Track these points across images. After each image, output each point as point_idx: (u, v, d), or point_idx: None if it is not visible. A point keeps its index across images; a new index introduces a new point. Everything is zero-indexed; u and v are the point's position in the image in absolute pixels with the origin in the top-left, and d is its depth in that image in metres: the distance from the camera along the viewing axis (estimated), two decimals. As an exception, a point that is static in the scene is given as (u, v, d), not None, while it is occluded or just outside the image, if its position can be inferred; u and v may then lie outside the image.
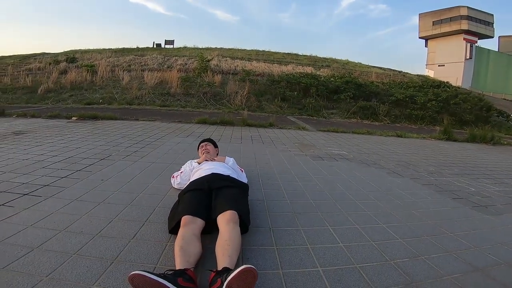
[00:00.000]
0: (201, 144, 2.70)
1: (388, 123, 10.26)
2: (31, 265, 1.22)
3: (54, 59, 15.20)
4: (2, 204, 1.81)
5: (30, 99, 9.83)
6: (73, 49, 21.06)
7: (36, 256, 1.28)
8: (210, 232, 1.53)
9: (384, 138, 6.46)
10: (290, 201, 2.18)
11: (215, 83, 11.67)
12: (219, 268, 1.19)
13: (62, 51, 20.12)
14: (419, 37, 35.00)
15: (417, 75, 23.96)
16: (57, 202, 1.89)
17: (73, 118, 6.36)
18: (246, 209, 1.68)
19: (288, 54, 23.84)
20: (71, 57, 15.16)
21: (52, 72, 12.29)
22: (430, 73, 29.91)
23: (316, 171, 3.11)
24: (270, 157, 3.61)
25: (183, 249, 1.27)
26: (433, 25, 32.68)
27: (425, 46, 35.14)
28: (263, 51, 24.21)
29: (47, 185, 2.20)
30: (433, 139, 7.03)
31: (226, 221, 1.44)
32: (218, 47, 24.38)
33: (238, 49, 24.06)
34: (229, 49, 23.63)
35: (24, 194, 1.99)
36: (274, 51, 24.55)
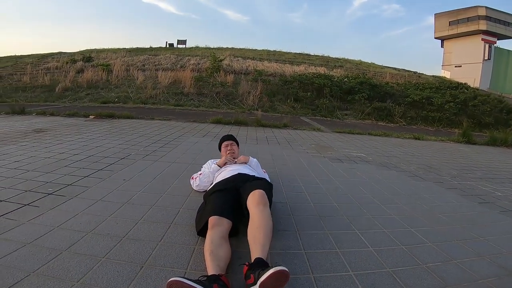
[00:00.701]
0: (225, 143, 2.48)
1: (404, 124, 10.03)
2: (61, 269, 1.19)
3: (71, 58, 15.55)
4: (28, 204, 1.81)
5: (49, 98, 10.08)
6: (89, 48, 21.53)
7: (66, 260, 1.25)
8: (236, 235, 1.51)
9: (402, 140, 6.29)
10: (313, 204, 2.14)
11: (228, 83, 11.67)
12: (252, 257, 1.21)
13: (78, 50, 20.60)
14: (435, 38, 34.06)
15: (433, 76, 23.38)
16: (81, 202, 1.88)
17: (90, 116, 6.46)
18: (270, 201, 1.64)
19: (300, 54, 23.63)
20: (87, 56, 15.51)
21: (69, 71, 12.58)
22: (446, 74, 29.08)
23: (337, 174, 3.04)
24: (288, 159, 3.55)
25: (213, 254, 1.24)
26: (449, 25, 31.74)
27: (441, 47, 34.17)
28: (274, 51, 24.08)
29: (70, 184, 2.20)
30: (452, 142, 6.81)
31: (256, 202, 1.45)
32: (230, 47, 24.42)
33: (249, 49, 24.02)
34: (240, 49, 23.62)
35: (49, 194, 1.99)
36: (285, 51, 24.39)
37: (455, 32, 31.36)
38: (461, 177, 3.43)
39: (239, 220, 1.54)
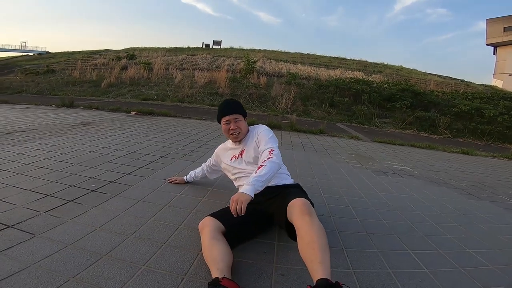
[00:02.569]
0: (225, 119, 1.72)
1: (449, 137, 9.24)
2: (101, 276, 1.14)
3: (116, 55, 16.53)
4: (72, 200, 1.81)
5: (95, 92, 10.76)
6: (132, 46, 22.78)
7: (106, 266, 1.20)
8: (237, 245, 1.42)
9: (448, 154, 5.77)
10: (359, 219, 1.97)
11: (261, 85, 11.63)
12: (313, 278, 1.04)
13: (122, 48, 21.89)
14: (487, 44, 31.40)
15: (483, 85, 21.48)
16: (123, 201, 1.86)
17: (132, 112, 6.74)
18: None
19: (335, 58, 22.99)
20: (131, 54, 16.36)
21: (114, 68, 13.35)
22: (498, 83, 26.64)
23: (382, 188, 2.81)
24: (328, 168, 3.35)
25: (209, 258, 1.20)
26: (504, 31, 29.07)
27: (493, 54, 31.42)
28: (308, 54, 23.67)
29: (113, 181, 2.21)
30: (505, 159, 6.12)
31: (298, 213, 1.23)
32: (262, 49, 24.49)
33: (282, 52, 23.89)
34: (273, 51, 23.56)
35: (92, 190, 2.00)
36: (319, 54, 23.90)
37: (511, 39, 28.65)
38: (521, 197, 3.06)
39: (257, 229, 1.50)
